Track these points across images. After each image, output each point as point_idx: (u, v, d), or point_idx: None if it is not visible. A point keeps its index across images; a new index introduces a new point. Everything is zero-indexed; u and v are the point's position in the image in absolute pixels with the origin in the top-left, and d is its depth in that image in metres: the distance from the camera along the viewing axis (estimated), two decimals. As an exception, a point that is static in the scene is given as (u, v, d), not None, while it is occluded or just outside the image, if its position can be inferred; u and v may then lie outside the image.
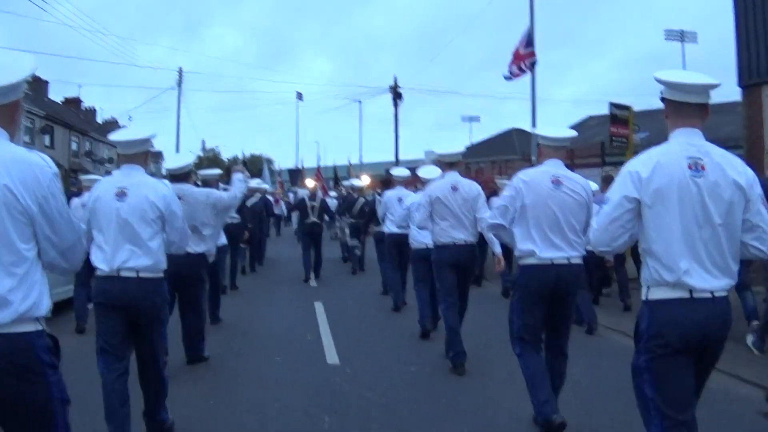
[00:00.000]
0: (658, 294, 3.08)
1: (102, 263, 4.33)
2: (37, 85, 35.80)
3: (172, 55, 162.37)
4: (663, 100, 3.24)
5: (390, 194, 10.19)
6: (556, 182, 4.70)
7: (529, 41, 15.87)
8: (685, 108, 3.15)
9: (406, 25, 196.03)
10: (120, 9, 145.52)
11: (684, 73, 3.25)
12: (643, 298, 3.16)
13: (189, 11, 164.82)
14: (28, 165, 2.45)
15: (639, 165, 3.15)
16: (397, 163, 35.77)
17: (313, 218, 13.68)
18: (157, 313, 4.47)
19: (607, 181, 8.47)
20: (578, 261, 4.79)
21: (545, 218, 4.67)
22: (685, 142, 3.11)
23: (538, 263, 4.68)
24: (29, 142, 33.83)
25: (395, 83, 38.71)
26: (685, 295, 3.01)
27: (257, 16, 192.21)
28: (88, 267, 4.16)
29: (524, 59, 15.86)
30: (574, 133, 5.02)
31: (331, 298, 11.05)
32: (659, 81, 3.21)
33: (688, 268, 3.00)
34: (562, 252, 4.68)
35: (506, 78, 16.03)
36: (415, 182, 10.33)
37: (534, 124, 15.79)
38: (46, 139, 36.34)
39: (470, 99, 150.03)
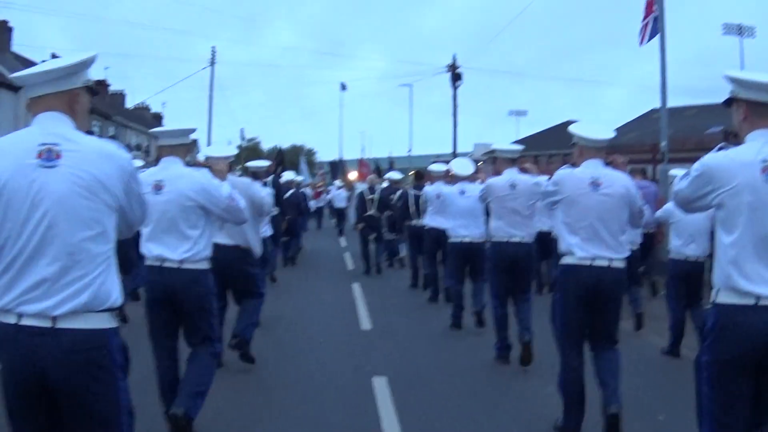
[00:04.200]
0: (725, 298, 3.26)
1: (147, 255, 4.92)
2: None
3: (228, 49, 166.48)
4: (734, 101, 3.39)
5: (430, 189, 11.03)
6: (595, 184, 5.00)
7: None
8: (765, 108, 3.28)
9: (462, 22, 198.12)
10: (178, 6, 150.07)
11: (757, 73, 3.38)
12: (712, 300, 3.36)
13: (248, 8, 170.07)
14: (112, 157, 2.78)
15: (713, 162, 3.35)
16: (454, 154, 35.25)
17: (371, 211, 14.82)
18: (201, 303, 4.92)
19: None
20: (620, 264, 5.06)
21: (585, 220, 4.99)
22: (763, 144, 3.23)
23: (577, 263, 5.01)
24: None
25: (454, 62, 37.02)
26: (751, 302, 3.16)
27: (313, 14, 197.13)
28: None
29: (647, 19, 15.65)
30: (613, 134, 5.26)
31: (388, 341, 8.51)
32: (734, 80, 3.35)
33: (754, 274, 3.16)
34: (602, 254, 4.98)
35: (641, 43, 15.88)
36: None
37: (663, 99, 15.48)
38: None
39: (518, 95, 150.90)
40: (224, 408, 5.67)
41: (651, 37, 15.28)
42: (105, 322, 2.69)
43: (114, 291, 2.74)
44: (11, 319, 2.59)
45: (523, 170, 7.50)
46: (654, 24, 15.18)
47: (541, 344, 7.01)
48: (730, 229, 3.25)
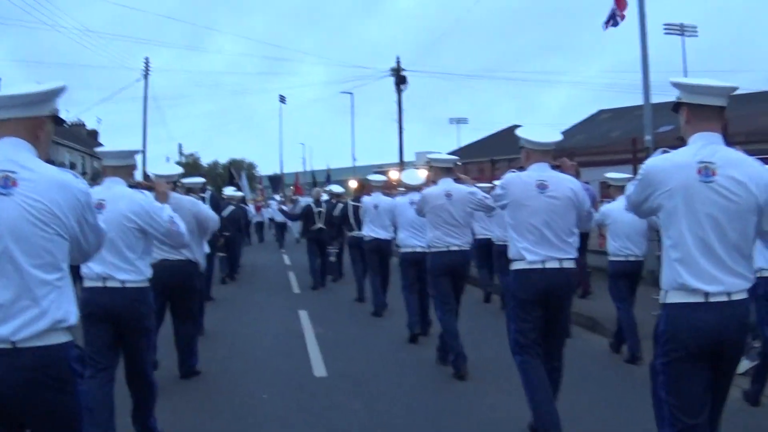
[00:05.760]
0: (674, 298, 3.44)
1: (87, 274, 4.97)
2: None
3: (168, 61, 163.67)
4: (680, 105, 3.60)
5: (368, 200, 11.44)
6: (542, 186, 5.17)
7: None
8: (706, 111, 3.50)
9: (402, 32, 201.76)
10: (124, 23, 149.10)
11: (699, 78, 3.63)
12: (661, 301, 3.53)
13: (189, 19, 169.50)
14: (67, 187, 2.91)
15: (651, 166, 3.58)
16: (401, 162, 35.28)
17: (319, 224, 14.96)
18: (143, 322, 5.06)
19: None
20: (570, 265, 5.25)
21: (533, 223, 5.15)
22: (702, 146, 3.44)
23: (528, 267, 5.17)
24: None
25: (398, 64, 36.52)
26: (700, 299, 3.36)
27: (256, 25, 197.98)
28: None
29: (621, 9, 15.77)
30: (559, 138, 5.49)
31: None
32: (677, 85, 3.60)
33: (701, 272, 3.35)
34: (552, 255, 5.15)
35: (606, 25, 15.94)
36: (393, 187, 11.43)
37: (646, 93, 14.86)
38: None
39: (459, 102, 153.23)
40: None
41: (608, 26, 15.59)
42: (62, 337, 2.86)
43: (69, 313, 2.89)
44: None
45: (458, 180, 7.72)
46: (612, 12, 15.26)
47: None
48: (671, 231, 3.46)
